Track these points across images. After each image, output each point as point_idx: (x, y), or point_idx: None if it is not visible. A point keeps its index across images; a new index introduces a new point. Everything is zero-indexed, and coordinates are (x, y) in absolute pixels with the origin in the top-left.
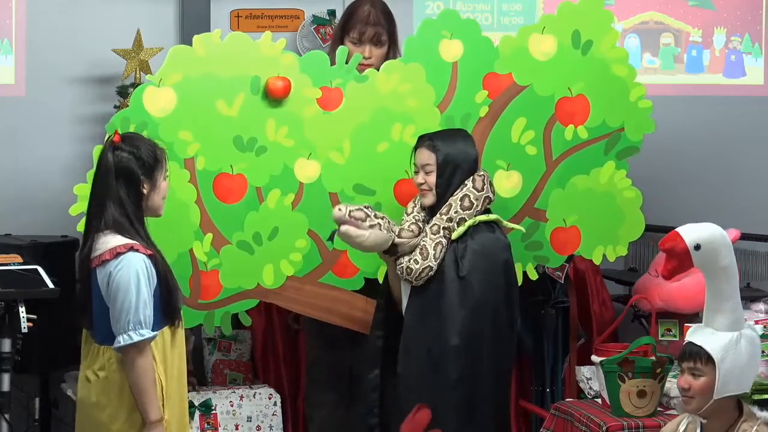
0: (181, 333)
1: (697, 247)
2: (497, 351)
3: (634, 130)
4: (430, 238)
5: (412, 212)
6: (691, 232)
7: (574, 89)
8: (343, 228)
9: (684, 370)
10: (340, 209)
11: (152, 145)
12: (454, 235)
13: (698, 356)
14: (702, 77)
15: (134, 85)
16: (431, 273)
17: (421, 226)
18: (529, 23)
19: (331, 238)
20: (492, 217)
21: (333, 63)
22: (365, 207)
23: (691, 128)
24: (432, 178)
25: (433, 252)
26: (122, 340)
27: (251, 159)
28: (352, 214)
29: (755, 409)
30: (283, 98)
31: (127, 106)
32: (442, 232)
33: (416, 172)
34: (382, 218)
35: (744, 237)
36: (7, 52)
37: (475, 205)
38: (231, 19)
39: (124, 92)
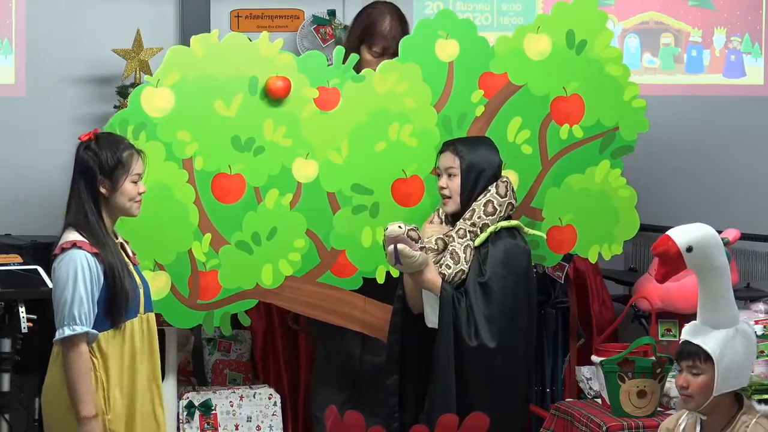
0: (131, 337)
1: (690, 249)
2: (516, 355)
3: (629, 130)
4: (458, 242)
5: (439, 224)
6: (682, 235)
7: (569, 89)
8: (401, 246)
9: (682, 369)
10: (400, 227)
11: (122, 147)
12: (476, 242)
13: (696, 355)
14: (702, 77)
15: (134, 85)
16: (463, 276)
17: (446, 240)
18: (528, 23)
19: (398, 260)
20: (513, 223)
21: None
22: (416, 228)
23: (691, 128)
24: (455, 182)
25: (464, 255)
26: (57, 334)
27: (249, 159)
28: (408, 233)
29: (754, 403)
30: (283, 98)
31: (127, 106)
32: (468, 235)
33: (439, 176)
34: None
35: (744, 237)
36: (7, 52)
37: (498, 211)
38: (231, 19)
39: (124, 92)
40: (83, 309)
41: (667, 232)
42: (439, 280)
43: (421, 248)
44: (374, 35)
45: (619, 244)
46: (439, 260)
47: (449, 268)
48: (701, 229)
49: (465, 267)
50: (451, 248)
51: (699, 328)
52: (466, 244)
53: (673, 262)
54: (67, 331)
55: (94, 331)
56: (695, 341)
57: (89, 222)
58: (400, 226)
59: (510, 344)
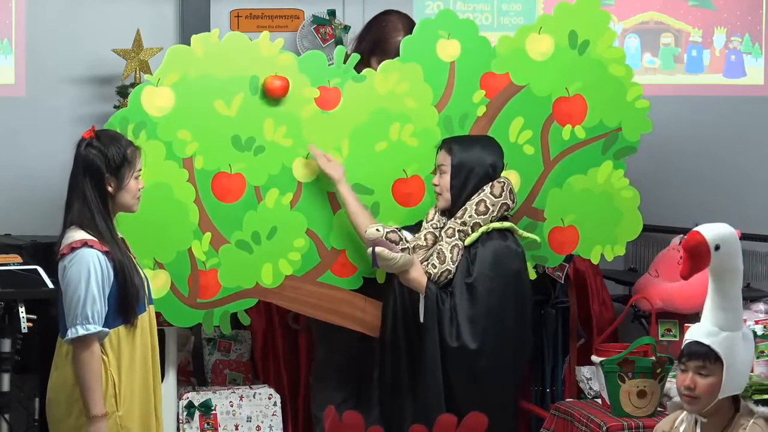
0: (142, 332)
1: (717, 248)
2: (502, 356)
3: (632, 130)
4: (446, 242)
5: (432, 219)
6: (711, 232)
7: (572, 89)
8: (378, 249)
9: (688, 369)
10: (378, 230)
11: (124, 144)
12: (467, 242)
13: (707, 357)
14: (702, 77)
15: (134, 85)
16: (450, 276)
17: (437, 234)
18: (529, 23)
19: (376, 263)
20: (506, 224)
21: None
22: (397, 229)
23: (691, 128)
24: (445, 179)
25: (450, 255)
26: (70, 333)
27: (249, 158)
28: (387, 236)
29: (751, 404)
30: (281, 97)
31: (127, 106)
32: (457, 235)
33: (435, 173)
34: (407, 239)
35: (744, 237)
36: (7, 52)
37: (490, 211)
38: (231, 19)
39: (124, 92)
40: (96, 308)
41: (696, 229)
42: (424, 279)
43: (403, 249)
44: (386, 51)
45: (622, 245)
46: (428, 258)
47: (434, 267)
48: (727, 228)
49: (451, 267)
50: (438, 247)
51: (709, 329)
52: (454, 243)
53: (701, 258)
54: (81, 331)
55: (106, 329)
56: (706, 342)
57: (96, 220)
58: (378, 229)
59: (494, 346)
